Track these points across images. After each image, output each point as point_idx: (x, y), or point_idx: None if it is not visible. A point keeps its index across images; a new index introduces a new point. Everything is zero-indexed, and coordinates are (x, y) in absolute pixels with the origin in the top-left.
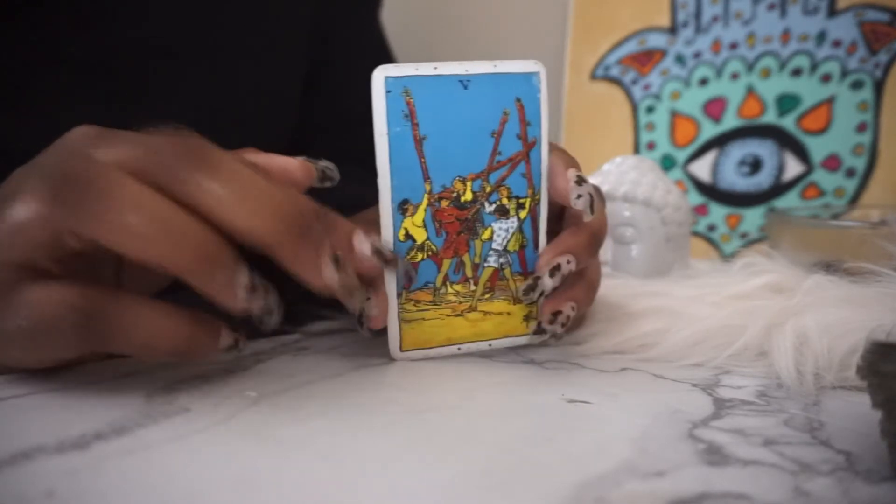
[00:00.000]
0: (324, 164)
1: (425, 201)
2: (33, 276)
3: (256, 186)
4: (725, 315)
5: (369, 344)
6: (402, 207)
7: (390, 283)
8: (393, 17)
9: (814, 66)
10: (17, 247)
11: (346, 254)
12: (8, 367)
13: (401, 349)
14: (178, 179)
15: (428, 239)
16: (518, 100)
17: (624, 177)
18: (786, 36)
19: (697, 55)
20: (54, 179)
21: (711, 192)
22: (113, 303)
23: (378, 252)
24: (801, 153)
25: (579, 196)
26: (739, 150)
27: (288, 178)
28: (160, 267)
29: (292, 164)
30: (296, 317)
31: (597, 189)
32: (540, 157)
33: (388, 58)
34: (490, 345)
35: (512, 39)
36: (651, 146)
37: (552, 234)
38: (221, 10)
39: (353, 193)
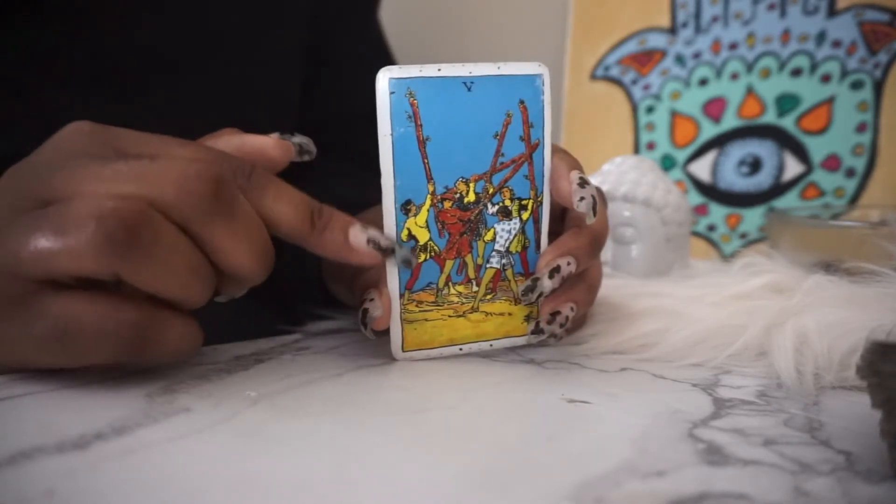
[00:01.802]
0: (298, 138)
1: (428, 202)
2: (53, 286)
3: (261, 235)
4: (725, 315)
5: (369, 344)
6: (405, 208)
7: (392, 283)
8: (393, 18)
9: (814, 66)
10: (43, 268)
11: (344, 248)
12: (10, 367)
13: (402, 349)
14: (201, 224)
15: (431, 240)
16: (521, 102)
17: (624, 177)
18: (786, 36)
19: (697, 55)
20: (98, 220)
21: (711, 192)
22: (158, 318)
23: (374, 243)
24: (801, 153)
25: (582, 199)
26: (739, 150)
27: (265, 157)
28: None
29: (268, 144)
30: (296, 317)
31: (599, 191)
32: (543, 158)
33: (386, 57)
34: (491, 345)
35: (512, 39)
36: (651, 146)
37: (553, 234)
38: (220, 14)
39: (354, 194)
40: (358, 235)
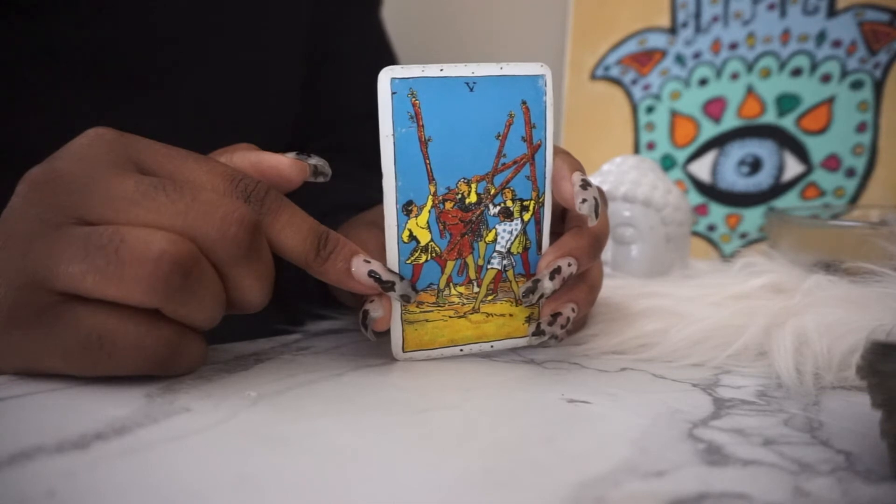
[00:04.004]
0: (315, 160)
1: (430, 203)
2: (81, 298)
3: (272, 272)
4: (725, 315)
5: (370, 344)
6: (407, 208)
7: None
8: (393, 17)
9: (814, 66)
10: (80, 288)
11: (345, 278)
12: (15, 369)
13: (403, 350)
14: (233, 266)
15: (432, 240)
16: (524, 102)
17: (624, 177)
18: (786, 36)
19: (697, 55)
20: (156, 262)
21: (711, 192)
22: (187, 336)
23: (376, 277)
24: (801, 153)
25: (584, 201)
26: (739, 150)
27: (280, 176)
28: None
29: (283, 163)
30: (296, 317)
31: (600, 192)
32: (544, 159)
33: (388, 54)
34: (492, 346)
35: (512, 39)
36: (651, 146)
37: (554, 234)
38: (222, 7)
39: (355, 194)
40: (361, 267)
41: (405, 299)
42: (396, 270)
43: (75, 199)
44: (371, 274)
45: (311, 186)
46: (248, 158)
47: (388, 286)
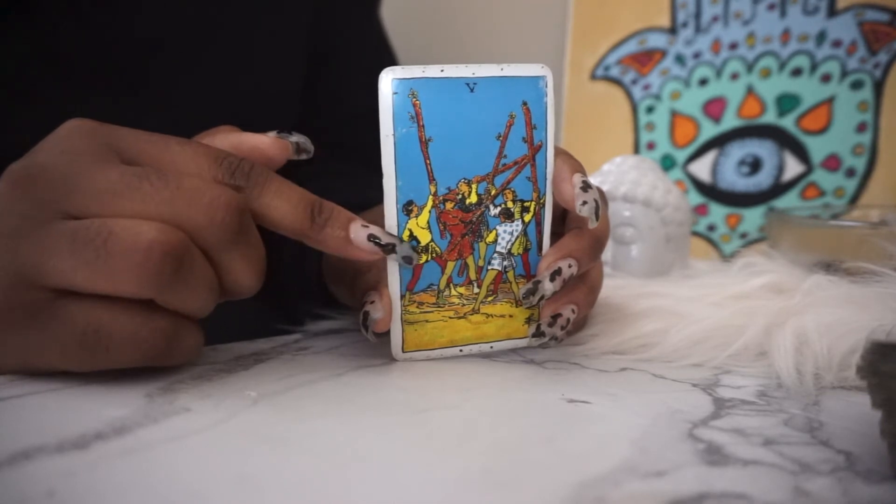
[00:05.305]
0: (296, 137)
1: (430, 203)
2: (73, 293)
3: (262, 255)
4: (725, 315)
5: (369, 344)
6: (407, 209)
7: (393, 284)
8: (393, 17)
9: (814, 66)
10: (70, 283)
11: (345, 245)
12: (13, 368)
13: (403, 350)
14: (223, 251)
15: (432, 241)
16: (524, 103)
17: (624, 177)
18: (786, 36)
19: (697, 55)
20: (146, 252)
21: (711, 192)
22: (182, 326)
23: (375, 239)
24: (801, 153)
25: (585, 203)
26: (739, 150)
27: (262, 156)
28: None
29: (265, 142)
30: (296, 317)
31: (601, 193)
32: (545, 160)
33: (388, 54)
34: (492, 347)
35: (512, 39)
36: (651, 146)
37: (554, 235)
38: (220, 6)
39: (355, 194)
40: (359, 231)
41: (407, 261)
42: (396, 272)
43: (59, 194)
44: (371, 238)
45: (309, 180)
46: (230, 140)
47: (388, 249)
